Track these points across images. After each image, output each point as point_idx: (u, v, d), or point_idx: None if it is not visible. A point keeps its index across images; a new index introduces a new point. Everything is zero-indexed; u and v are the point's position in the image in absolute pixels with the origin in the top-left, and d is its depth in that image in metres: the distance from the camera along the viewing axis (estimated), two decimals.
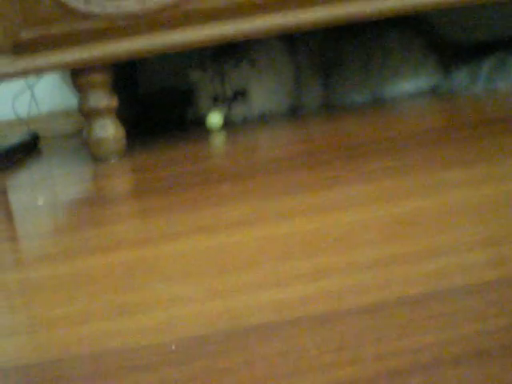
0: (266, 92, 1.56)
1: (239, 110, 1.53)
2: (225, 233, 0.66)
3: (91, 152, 1.28)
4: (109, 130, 1.26)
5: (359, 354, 0.37)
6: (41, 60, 1.19)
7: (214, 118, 1.51)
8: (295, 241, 0.59)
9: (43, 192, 1.08)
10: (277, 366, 0.37)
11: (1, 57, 1.19)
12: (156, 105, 1.88)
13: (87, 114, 1.26)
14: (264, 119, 1.56)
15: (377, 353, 0.37)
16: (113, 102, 1.27)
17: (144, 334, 0.45)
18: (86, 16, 1.18)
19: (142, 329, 0.46)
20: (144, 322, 0.47)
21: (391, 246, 0.54)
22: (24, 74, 1.21)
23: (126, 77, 1.74)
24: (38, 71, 1.20)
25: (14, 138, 1.68)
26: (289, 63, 1.60)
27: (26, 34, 1.18)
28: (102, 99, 1.25)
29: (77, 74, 1.24)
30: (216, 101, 1.54)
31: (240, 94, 1.54)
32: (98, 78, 1.24)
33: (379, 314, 0.42)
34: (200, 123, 1.57)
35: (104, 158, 1.27)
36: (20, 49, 1.19)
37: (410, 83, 1.53)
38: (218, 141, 1.36)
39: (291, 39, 1.60)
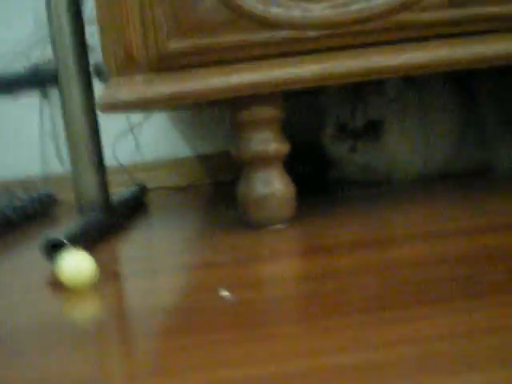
0: (406, 136, 1.20)
1: (367, 150, 1.17)
2: None
3: (246, 213, 0.91)
4: (276, 185, 0.90)
5: None
6: (195, 82, 0.84)
7: (72, 262, 0.70)
8: None
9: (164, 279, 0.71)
10: None
11: (138, 75, 0.85)
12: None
13: (247, 162, 0.90)
14: (399, 176, 1.19)
15: None
16: (283, 146, 0.91)
17: None
18: (263, 22, 0.83)
19: None
20: None
21: None
22: (168, 100, 0.85)
23: None
24: (188, 98, 0.85)
25: (121, 189, 1.33)
26: (457, 111, 1.22)
27: (176, 45, 0.84)
28: (271, 142, 0.89)
29: (239, 106, 0.89)
30: (342, 131, 1.20)
31: (372, 128, 1.16)
32: (268, 112, 0.89)
33: None
34: (341, 185, 1.23)
35: (264, 223, 0.91)
36: (165, 65, 0.85)
37: None
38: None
39: (466, 81, 1.24)
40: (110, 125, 1.55)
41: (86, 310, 0.64)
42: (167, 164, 1.63)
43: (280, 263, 0.73)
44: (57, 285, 0.71)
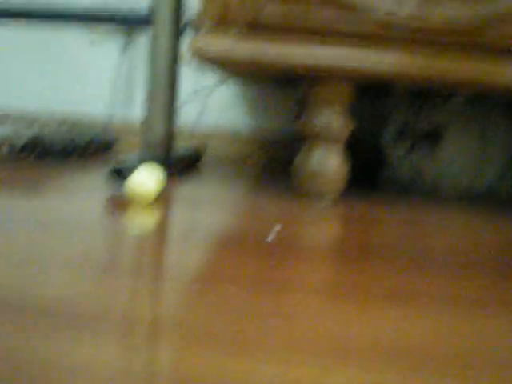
0: (461, 150, 1.23)
1: (422, 154, 1.21)
2: None
3: (299, 183, 0.97)
4: (332, 162, 0.95)
5: None
6: (281, 49, 0.90)
7: (143, 177, 0.79)
8: None
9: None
10: None
11: (230, 32, 0.91)
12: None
13: (311, 136, 0.96)
14: (445, 188, 1.23)
15: None
16: (347, 127, 0.96)
17: None
18: (359, 9, 0.89)
19: None
20: None
21: None
22: (252, 60, 0.91)
23: None
24: (269, 62, 0.91)
25: (183, 147, 1.40)
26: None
27: (270, 10, 0.90)
28: (338, 119, 0.95)
29: (316, 81, 0.94)
30: (402, 133, 1.23)
31: (431, 134, 1.21)
32: (342, 91, 0.95)
33: None
34: (395, 185, 1.27)
35: (314, 195, 0.96)
36: (256, 28, 0.91)
37: None
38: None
39: None
40: (181, 85, 1.63)
41: (134, 225, 0.69)
42: (227, 134, 1.68)
43: (322, 224, 0.78)
44: (113, 202, 0.78)
